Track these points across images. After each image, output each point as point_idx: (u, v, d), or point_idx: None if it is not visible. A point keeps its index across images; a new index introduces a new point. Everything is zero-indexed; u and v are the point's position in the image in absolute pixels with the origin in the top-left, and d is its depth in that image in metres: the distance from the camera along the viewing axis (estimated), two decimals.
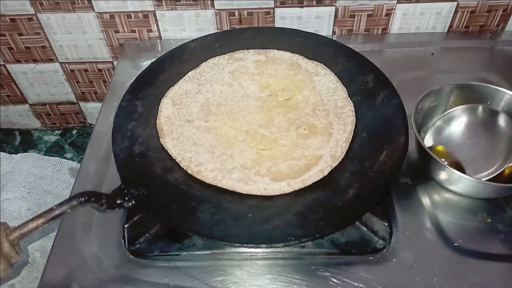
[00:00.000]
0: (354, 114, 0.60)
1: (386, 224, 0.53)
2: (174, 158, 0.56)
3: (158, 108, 0.62)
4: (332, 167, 0.54)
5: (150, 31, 0.87)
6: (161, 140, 0.58)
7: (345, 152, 0.55)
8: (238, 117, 0.61)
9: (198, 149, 0.57)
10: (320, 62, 0.68)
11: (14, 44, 0.90)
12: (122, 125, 0.60)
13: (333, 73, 0.66)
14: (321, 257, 0.53)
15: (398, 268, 0.52)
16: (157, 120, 0.61)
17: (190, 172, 0.54)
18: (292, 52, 0.70)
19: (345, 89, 0.63)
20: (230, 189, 0.52)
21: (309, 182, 0.53)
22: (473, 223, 0.57)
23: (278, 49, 0.71)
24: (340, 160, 0.55)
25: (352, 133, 0.58)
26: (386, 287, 0.51)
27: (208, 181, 0.53)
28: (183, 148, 0.57)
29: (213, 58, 0.69)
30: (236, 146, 0.57)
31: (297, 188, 0.52)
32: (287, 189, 0.52)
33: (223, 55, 0.70)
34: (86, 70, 0.96)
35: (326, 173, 0.53)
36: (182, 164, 0.55)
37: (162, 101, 0.63)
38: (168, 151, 0.57)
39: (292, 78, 0.66)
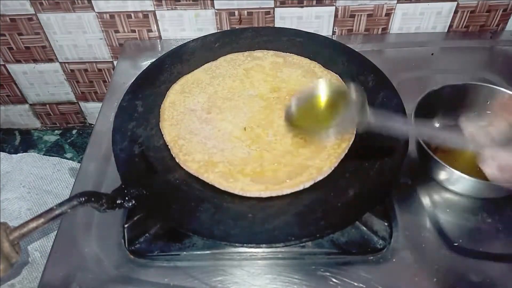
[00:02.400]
0: (355, 132, 0.57)
1: (386, 224, 0.53)
2: (167, 143, 0.57)
3: (158, 108, 0.62)
4: (316, 181, 0.53)
5: (150, 31, 0.87)
6: (160, 123, 0.59)
7: (333, 168, 0.54)
8: (240, 113, 0.61)
9: (192, 138, 0.57)
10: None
11: (14, 44, 0.90)
12: (122, 125, 0.60)
13: (345, 85, 0.63)
14: (321, 257, 0.53)
15: (398, 268, 0.52)
16: (162, 104, 0.62)
17: (177, 161, 0.55)
18: (310, 59, 0.69)
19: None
20: (210, 183, 0.52)
21: (288, 191, 0.52)
22: (473, 223, 0.57)
23: (296, 54, 0.70)
24: (326, 175, 0.53)
25: (346, 151, 0.55)
26: (386, 287, 0.51)
27: (191, 172, 0.54)
28: (178, 134, 0.57)
29: (233, 53, 0.70)
30: (230, 142, 0.57)
31: (274, 194, 0.52)
32: (264, 194, 0.51)
33: (243, 52, 0.70)
34: (86, 70, 0.96)
35: (307, 185, 0.52)
36: (172, 151, 0.56)
37: (172, 86, 0.64)
38: (163, 135, 0.58)
39: (304, 85, 0.64)
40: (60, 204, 0.43)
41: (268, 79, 0.66)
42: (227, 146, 0.56)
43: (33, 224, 0.42)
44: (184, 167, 0.54)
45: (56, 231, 0.57)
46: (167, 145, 0.57)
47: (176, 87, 0.64)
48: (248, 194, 0.52)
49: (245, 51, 0.71)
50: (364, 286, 0.51)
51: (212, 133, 0.58)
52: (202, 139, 0.57)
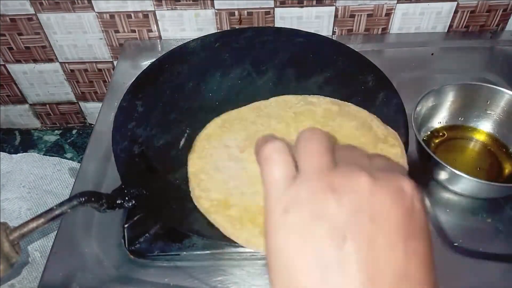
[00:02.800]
0: None
1: None
2: (188, 175, 0.53)
3: (158, 108, 0.62)
4: None
5: (150, 31, 0.87)
6: (189, 154, 0.55)
7: None
8: None
9: (214, 174, 0.52)
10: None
11: (14, 44, 0.90)
12: (122, 125, 0.60)
13: (402, 146, 0.56)
14: None
15: None
16: (197, 136, 0.57)
17: (191, 196, 0.50)
18: (370, 112, 0.60)
19: (407, 168, 0.51)
20: (216, 226, 0.48)
21: None
22: (473, 223, 0.57)
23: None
24: None
25: None
26: None
27: (201, 210, 0.49)
28: (202, 168, 0.53)
29: (286, 95, 0.63)
30: (254, 187, 0.51)
31: None
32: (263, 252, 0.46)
33: (297, 96, 0.63)
34: (86, 70, 0.96)
35: None
36: (190, 184, 0.52)
37: (214, 119, 0.59)
38: (187, 167, 0.53)
39: (355, 139, 0.57)
40: (60, 204, 0.43)
41: (317, 126, 0.59)
42: (250, 190, 0.51)
43: (33, 224, 0.42)
44: (196, 203, 0.50)
45: (56, 231, 0.57)
46: (168, 146, 0.57)
47: (217, 120, 0.59)
48: (250, 247, 0.47)
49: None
50: None
51: (238, 174, 0.52)
52: (225, 177, 0.52)
